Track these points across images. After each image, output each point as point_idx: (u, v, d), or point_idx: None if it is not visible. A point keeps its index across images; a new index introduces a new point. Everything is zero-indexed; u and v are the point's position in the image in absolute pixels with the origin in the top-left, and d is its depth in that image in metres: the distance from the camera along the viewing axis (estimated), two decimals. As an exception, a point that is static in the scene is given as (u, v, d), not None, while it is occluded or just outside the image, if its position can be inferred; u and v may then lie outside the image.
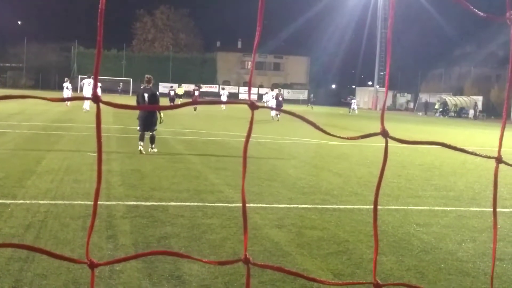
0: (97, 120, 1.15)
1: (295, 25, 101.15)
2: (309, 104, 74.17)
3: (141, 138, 16.17)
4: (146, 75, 16.91)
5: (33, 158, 13.67)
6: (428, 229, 8.81)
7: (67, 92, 43.98)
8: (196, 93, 48.74)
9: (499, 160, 1.47)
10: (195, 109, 41.51)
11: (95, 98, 1.11)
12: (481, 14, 1.50)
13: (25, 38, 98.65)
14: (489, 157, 1.56)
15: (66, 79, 46.02)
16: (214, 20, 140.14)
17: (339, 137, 1.46)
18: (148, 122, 16.21)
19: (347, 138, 1.39)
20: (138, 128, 16.47)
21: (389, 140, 1.40)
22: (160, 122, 16.76)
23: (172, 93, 49.66)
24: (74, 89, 64.88)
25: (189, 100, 52.48)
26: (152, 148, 16.36)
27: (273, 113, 39.28)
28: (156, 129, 16.57)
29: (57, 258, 1.24)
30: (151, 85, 16.64)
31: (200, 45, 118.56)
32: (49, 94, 68.95)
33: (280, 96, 41.72)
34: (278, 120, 37.28)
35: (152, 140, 16.41)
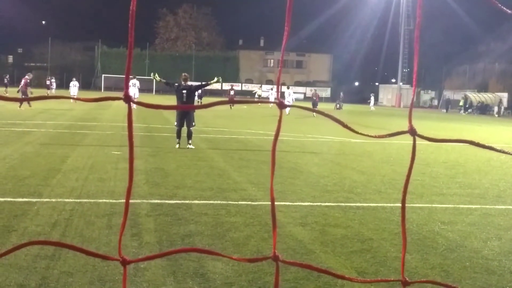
0: (128, 120, 1.15)
1: (317, 22, 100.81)
2: (337, 105, 70.15)
3: (178, 136, 17.13)
4: (183, 73, 17.88)
5: (58, 157, 13.82)
6: (453, 227, 8.73)
7: (74, 90, 46.19)
8: (232, 92, 50.90)
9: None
10: (231, 107, 43.09)
11: (126, 98, 1.12)
12: (510, 11, 1.49)
13: (49, 38, 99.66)
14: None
15: (73, 78, 48.37)
16: (236, 18, 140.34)
17: (368, 135, 1.46)
18: (185, 118, 16.90)
19: (375, 137, 1.39)
20: (175, 123, 17.33)
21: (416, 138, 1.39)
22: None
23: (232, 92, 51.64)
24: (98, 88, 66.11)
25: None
26: (189, 144, 16.98)
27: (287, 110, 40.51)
28: (194, 125, 17.28)
29: (91, 256, 1.26)
30: (188, 83, 17.47)
31: (222, 44, 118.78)
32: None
33: (316, 96, 44.85)
34: (314, 116, 39.34)
35: (190, 135, 17.02)
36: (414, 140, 1.36)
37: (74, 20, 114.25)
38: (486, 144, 1.46)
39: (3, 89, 58.14)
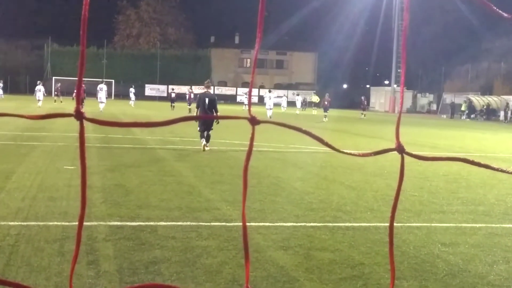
0: (80, 140, 1.14)
1: (299, 16, 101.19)
2: (362, 112, 67.17)
3: (202, 136, 20.60)
4: (206, 81, 22.62)
5: (1, 173, 13.68)
6: (455, 249, 8.80)
7: (39, 94, 48.37)
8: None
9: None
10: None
11: (78, 115, 1.10)
12: (506, 15, 1.52)
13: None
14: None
15: (39, 82, 50.48)
16: (207, 12, 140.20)
17: (351, 154, 1.47)
18: (206, 123, 20.12)
19: (359, 155, 1.41)
20: (198, 128, 21.03)
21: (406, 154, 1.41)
22: (217, 123, 20.18)
23: (173, 95, 56.55)
24: (48, 92, 67.00)
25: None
26: (207, 146, 20.40)
27: (269, 113, 47.85)
28: (212, 129, 20.74)
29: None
30: (210, 90, 21.72)
31: (191, 41, 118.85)
32: (20, 98, 69.06)
33: (327, 101, 52.87)
34: (325, 121, 48.28)
35: (208, 139, 20.60)
36: (402, 158, 1.38)
37: (20, 16, 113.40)
38: (482, 163, 1.48)
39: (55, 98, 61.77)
